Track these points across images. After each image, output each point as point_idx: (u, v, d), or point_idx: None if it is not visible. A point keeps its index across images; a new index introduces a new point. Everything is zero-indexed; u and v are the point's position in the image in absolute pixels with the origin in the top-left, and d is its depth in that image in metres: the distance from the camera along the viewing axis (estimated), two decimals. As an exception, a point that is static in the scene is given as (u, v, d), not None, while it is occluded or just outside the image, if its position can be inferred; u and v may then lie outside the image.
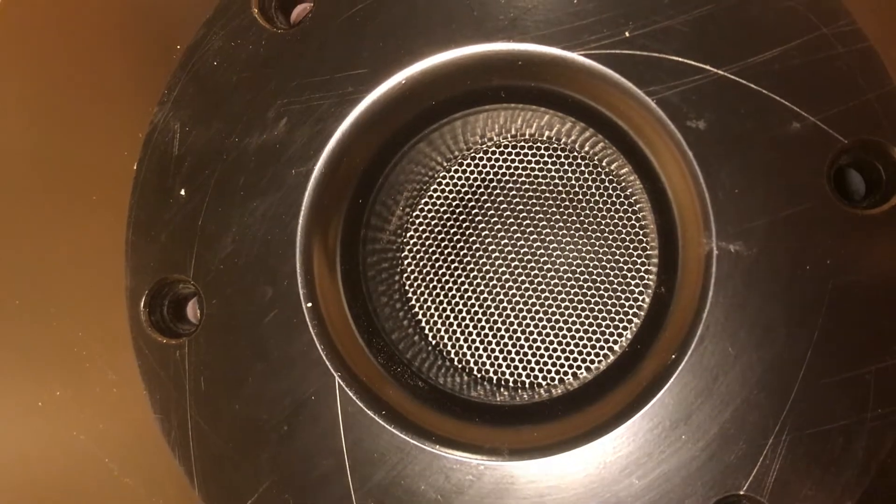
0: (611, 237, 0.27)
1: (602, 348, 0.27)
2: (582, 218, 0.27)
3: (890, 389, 0.21)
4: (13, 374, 0.26)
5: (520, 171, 0.28)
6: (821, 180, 0.22)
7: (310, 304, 0.24)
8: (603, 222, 0.27)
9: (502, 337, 0.28)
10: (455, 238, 0.28)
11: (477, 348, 0.28)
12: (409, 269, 0.29)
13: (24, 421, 0.26)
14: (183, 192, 0.25)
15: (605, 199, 0.27)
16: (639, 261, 0.27)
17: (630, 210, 0.26)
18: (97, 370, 0.25)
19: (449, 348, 0.28)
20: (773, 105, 0.22)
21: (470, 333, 0.28)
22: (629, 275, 0.27)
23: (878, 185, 0.22)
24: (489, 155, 0.28)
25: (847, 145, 0.22)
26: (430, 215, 0.29)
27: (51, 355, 0.26)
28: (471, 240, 0.28)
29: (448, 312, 0.28)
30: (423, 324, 0.28)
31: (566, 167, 0.27)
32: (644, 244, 0.26)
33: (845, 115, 0.22)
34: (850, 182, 0.24)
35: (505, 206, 0.28)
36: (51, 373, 0.26)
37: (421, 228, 0.29)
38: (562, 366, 0.27)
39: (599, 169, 0.27)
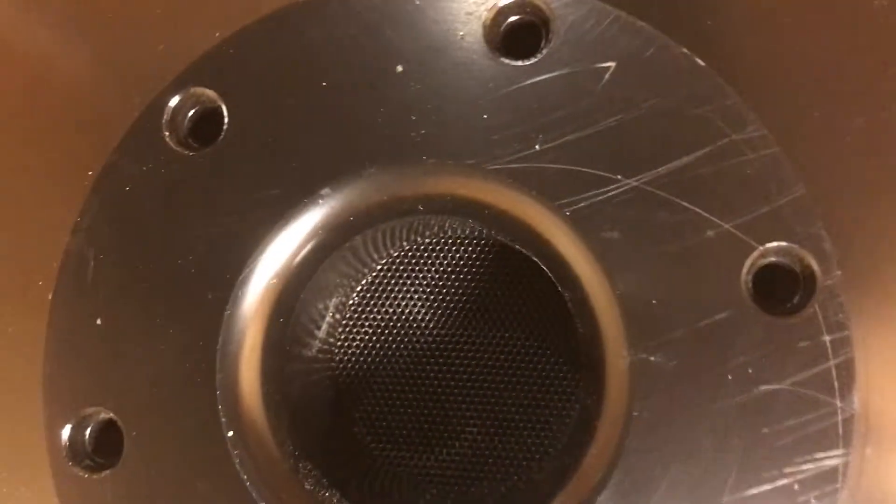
0: (539, 345, 0.27)
1: (533, 459, 0.26)
2: (512, 327, 0.27)
3: (815, 499, 0.21)
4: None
5: (445, 272, 0.28)
6: (737, 288, 0.22)
7: (231, 434, 0.24)
8: (533, 331, 0.27)
9: (434, 449, 0.28)
10: (383, 347, 0.28)
11: (401, 446, 0.27)
12: (338, 382, 0.28)
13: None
14: (99, 322, 0.25)
15: (534, 308, 0.27)
16: (566, 377, 0.27)
17: (558, 320, 0.26)
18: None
19: (375, 451, 0.27)
20: (686, 213, 0.22)
21: (402, 446, 0.28)
22: (557, 385, 0.27)
23: (795, 290, 0.22)
24: (409, 257, 0.28)
25: (762, 251, 0.22)
26: (357, 328, 0.28)
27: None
28: (394, 345, 0.28)
29: (381, 424, 0.28)
30: (357, 439, 0.28)
31: (489, 270, 0.27)
32: (569, 361, 0.26)
33: (758, 222, 0.22)
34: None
35: (430, 308, 0.28)
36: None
37: (347, 342, 0.28)
38: (494, 477, 0.27)
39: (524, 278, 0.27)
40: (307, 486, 0.24)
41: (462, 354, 0.28)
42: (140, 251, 0.25)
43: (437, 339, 0.28)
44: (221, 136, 0.25)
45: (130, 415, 0.24)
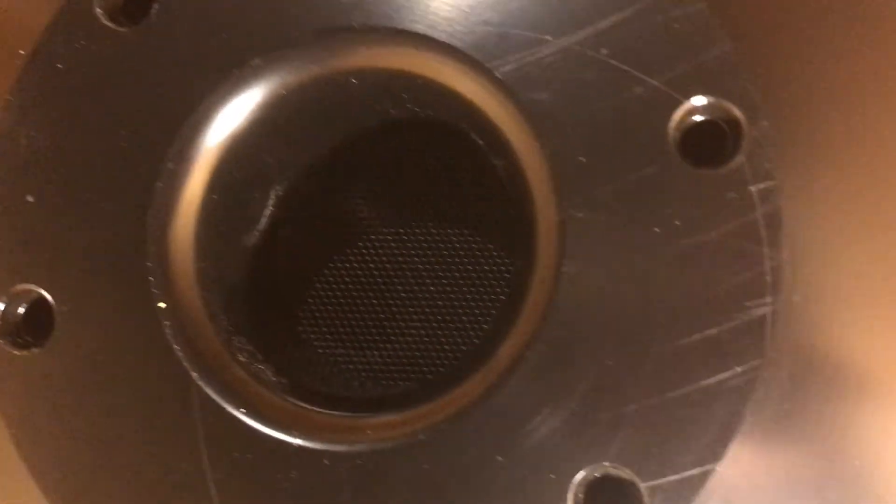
0: (475, 218, 0.27)
1: (467, 330, 0.26)
2: (442, 201, 0.27)
3: (744, 347, 0.21)
4: None
5: (382, 161, 0.28)
6: (665, 142, 0.22)
7: (163, 305, 0.23)
8: (463, 203, 0.27)
9: (366, 329, 0.27)
10: (318, 229, 0.28)
11: (342, 341, 0.27)
12: (278, 275, 0.28)
13: None
14: (31, 199, 0.24)
15: (463, 180, 0.27)
16: (498, 239, 0.26)
17: (484, 189, 0.26)
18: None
19: (314, 342, 0.27)
20: (614, 72, 0.22)
21: (335, 326, 0.27)
22: (490, 252, 0.27)
23: (721, 143, 0.22)
24: (347, 145, 0.28)
25: (689, 107, 0.22)
26: (297, 221, 0.28)
27: None
28: (336, 230, 0.28)
29: (313, 305, 0.28)
30: (287, 319, 0.28)
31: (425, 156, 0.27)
32: (501, 221, 0.26)
33: (685, 77, 0.22)
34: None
35: (366, 193, 0.28)
36: None
37: (288, 236, 0.28)
38: (427, 352, 0.27)
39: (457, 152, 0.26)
40: (241, 358, 0.24)
41: (402, 248, 0.28)
42: (72, 128, 0.24)
43: (378, 232, 0.28)
44: (153, 12, 0.25)
45: (62, 291, 0.24)
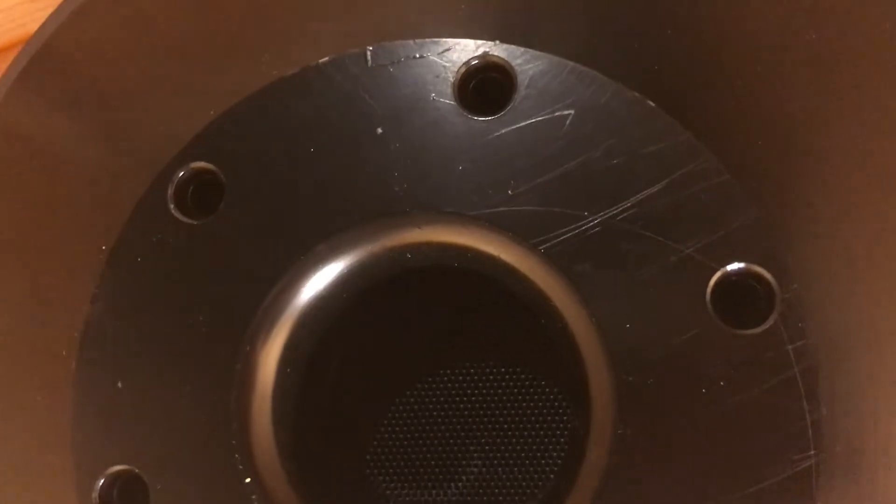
0: (525, 378, 0.29)
1: (531, 486, 0.28)
2: (503, 354, 0.29)
3: (793, 499, 0.22)
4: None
5: (434, 311, 0.30)
6: (703, 307, 0.24)
7: (248, 480, 0.25)
8: (522, 357, 0.29)
9: (441, 484, 0.29)
10: (388, 392, 0.30)
11: (408, 483, 0.29)
12: (349, 426, 0.30)
13: None
14: (120, 385, 0.26)
15: (519, 343, 0.29)
16: (554, 402, 0.28)
17: (543, 352, 0.28)
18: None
19: (384, 487, 0.29)
20: (649, 242, 0.24)
21: (408, 473, 0.29)
22: (546, 415, 0.28)
23: (756, 304, 0.24)
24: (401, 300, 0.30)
25: (723, 272, 0.24)
26: (362, 375, 0.30)
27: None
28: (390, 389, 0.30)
29: (391, 463, 0.29)
30: (368, 480, 0.29)
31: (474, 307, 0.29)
32: (556, 387, 0.28)
33: (716, 245, 0.24)
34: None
35: (426, 350, 0.30)
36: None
37: (355, 389, 0.30)
38: (488, 493, 0.28)
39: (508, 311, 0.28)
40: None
41: (458, 391, 0.29)
42: (153, 316, 0.27)
43: (435, 378, 0.30)
44: (221, 206, 0.27)
45: (153, 469, 0.26)
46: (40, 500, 0.27)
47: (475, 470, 0.29)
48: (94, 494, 0.26)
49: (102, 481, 0.26)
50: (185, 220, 0.27)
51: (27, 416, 0.28)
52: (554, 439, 0.27)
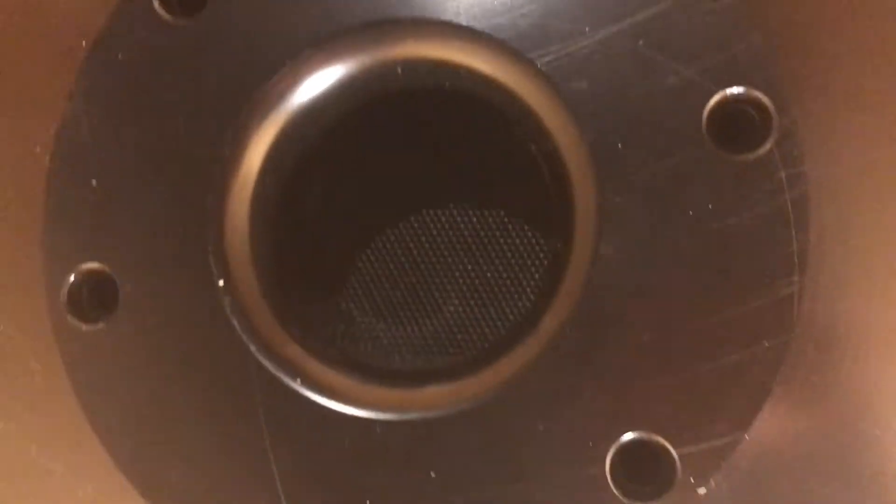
0: (511, 201, 0.28)
1: (507, 306, 0.28)
2: (487, 186, 0.28)
3: (772, 323, 0.22)
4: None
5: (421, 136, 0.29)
6: (698, 129, 0.23)
7: (222, 282, 0.25)
8: (504, 189, 0.28)
9: (406, 305, 0.29)
10: (368, 222, 0.29)
11: (383, 317, 0.29)
12: (327, 251, 0.30)
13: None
14: (94, 182, 0.26)
15: (503, 164, 0.28)
16: (536, 233, 0.28)
17: (525, 174, 0.27)
18: (21, 361, 0.26)
19: (357, 318, 0.29)
20: (651, 62, 0.24)
21: (376, 303, 0.29)
22: (527, 246, 0.28)
23: (752, 131, 0.23)
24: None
25: (722, 95, 0.23)
26: (344, 199, 0.30)
27: (-26, 351, 0.26)
28: (378, 210, 0.29)
29: (356, 283, 0.29)
30: (332, 297, 0.29)
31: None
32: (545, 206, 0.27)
33: (718, 68, 0.23)
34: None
35: (407, 175, 0.29)
36: (-25, 367, 0.26)
37: (333, 212, 0.29)
38: (465, 328, 0.28)
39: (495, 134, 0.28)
40: (294, 332, 0.25)
41: (438, 228, 0.29)
42: (132, 115, 0.26)
43: (418, 211, 0.29)
44: (207, 6, 0.26)
45: (124, 269, 0.25)
46: (8, 298, 0.27)
47: (452, 306, 0.28)
48: (63, 290, 0.26)
49: (72, 279, 0.26)
50: (169, 18, 0.26)
51: (-4, 213, 0.27)
52: (533, 266, 0.27)
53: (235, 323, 0.25)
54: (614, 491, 0.22)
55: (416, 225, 0.29)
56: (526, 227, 0.27)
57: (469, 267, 0.28)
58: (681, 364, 0.23)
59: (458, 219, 0.28)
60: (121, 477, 0.25)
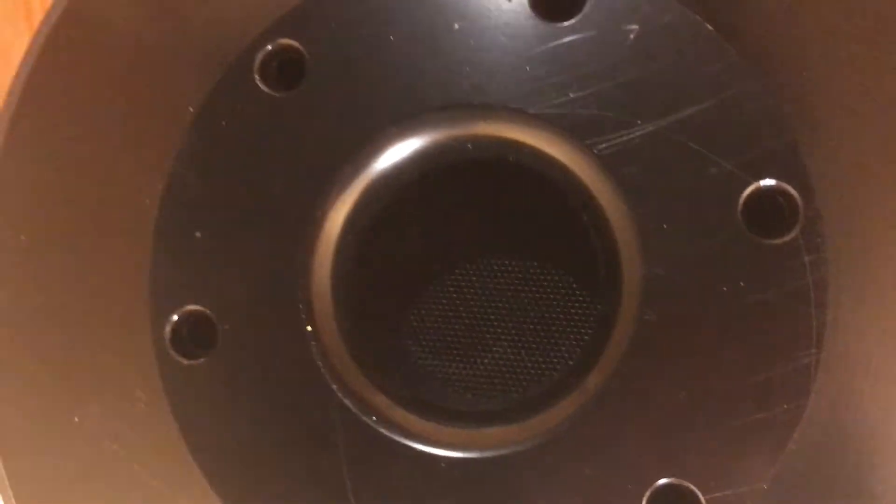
0: (563, 264, 0.32)
1: (556, 362, 0.31)
2: (539, 248, 0.32)
3: (792, 389, 0.26)
4: (53, 395, 0.30)
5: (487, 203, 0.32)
6: (734, 215, 0.26)
7: (309, 328, 0.28)
8: (556, 253, 0.32)
9: (460, 347, 0.32)
10: (430, 270, 0.33)
11: (441, 357, 0.32)
12: (394, 297, 0.33)
13: (61, 435, 0.30)
14: (198, 234, 0.29)
15: (558, 231, 0.32)
16: (584, 295, 0.31)
17: (577, 241, 0.30)
18: (127, 390, 0.29)
19: (421, 359, 0.32)
20: (694, 153, 0.27)
21: (442, 348, 0.32)
22: (576, 305, 0.31)
23: (781, 219, 0.27)
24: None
25: (756, 186, 0.26)
26: (411, 255, 0.33)
27: (84, 378, 0.30)
28: (443, 265, 0.33)
29: (418, 326, 0.33)
30: (408, 344, 0.33)
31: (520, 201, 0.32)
32: (592, 272, 0.30)
33: (753, 161, 0.27)
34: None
35: (467, 234, 0.32)
36: (85, 393, 0.30)
37: (403, 266, 0.33)
38: (524, 377, 0.32)
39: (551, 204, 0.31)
40: (370, 374, 0.29)
41: (496, 279, 0.32)
42: (234, 176, 0.29)
43: (477, 264, 0.33)
44: (303, 83, 0.29)
45: (223, 311, 0.29)
46: (118, 334, 0.30)
47: (501, 349, 0.32)
48: (167, 328, 0.29)
49: (176, 318, 0.29)
50: (268, 91, 0.29)
51: (110, 259, 0.30)
52: (580, 326, 0.30)
53: (320, 364, 0.28)
54: (648, 528, 0.26)
55: (473, 279, 0.32)
56: (575, 288, 0.31)
57: (520, 316, 0.31)
58: (711, 420, 0.26)
59: (513, 276, 0.32)
60: (213, 495, 0.28)
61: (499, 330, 0.32)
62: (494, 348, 0.32)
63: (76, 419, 0.30)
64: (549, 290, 0.31)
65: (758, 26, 0.27)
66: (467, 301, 0.32)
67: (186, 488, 0.29)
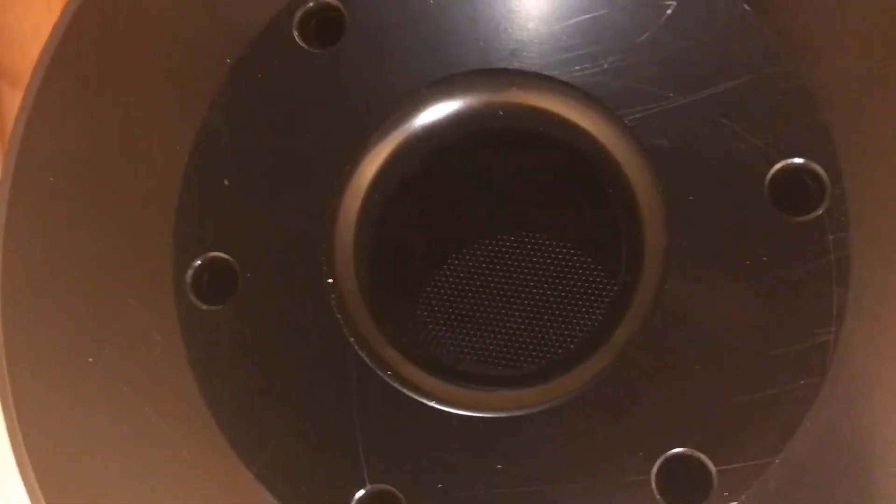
0: (587, 237, 0.32)
1: (573, 335, 0.31)
2: (561, 221, 0.32)
3: (809, 366, 0.26)
4: (69, 334, 0.30)
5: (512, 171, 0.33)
6: (760, 192, 0.27)
7: (330, 280, 0.29)
8: (580, 225, 0.32)
9: (475, 318, 0.32)
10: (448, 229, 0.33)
11: (453, 326, 0.32)
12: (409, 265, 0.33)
13: (74, 374, 0.30)
14: (227, 182, 0.30)
15: (582, 202, 0.32)
16: (604, 268, 0.31)
17: (602, 216, 0.31)
18: (144, 332, 0.30)
19: (430, 325, 0.32)
20: (724, 129, 0.27)
21: (449, 313, 0.32)
22: (596, 278, 0.31)
23: (807, 197, 0.27)
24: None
25: (783, 164, 0.27)
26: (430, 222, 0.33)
27: (102, 318, 0.30)
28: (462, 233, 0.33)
29: (432, 294, 0.33)
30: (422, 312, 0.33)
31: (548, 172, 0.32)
32: (614, 244, 0.31)
33: (782, 139, 0.27)
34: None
35: (492, 202, 0.32)
36: (102, 334, 0.30)
37: (422, 231, 0.33)
38: (527, 344, 0.32)
39: (578, 175, 0.31)
40: (386, 330, 0.29)
41: (518, 251, 0.33)
42: (266, 128, 0.30)
43: (499, 235, 0.33)
44: (341, 41, 0.30)
45: (246, 260, 0.29)
46: (140, 275, 0.30)
47: (517, 321, 0.32)
48: (189, 273, 0.29)
49: (198, 263, 0.29)
50: (306, 47, 0.30)
51: (136, 199, 0.31)
52: (599, 302, 0.30)
53: (339, 317, 0.28)
54: (657, 496, 0.26)
55: (494, 249, 0.32)
56: (596, 264, 0.31)
57: (538, 289, 0.32)
58: (726, 393, 0.26)
59: (535, 248, 0.32)
60: (223, 442, 0.28)
61: (516, 303, 0.32)
62: (510, 321, 0.32)
63: (90, 360, 0.30)
64: (570, 266, 0.31)
65: (793, 6, 0.27)
66: (486, 271, 0.32)
67: (198, 435, 0.29)
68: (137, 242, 0.31)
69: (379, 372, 0.28)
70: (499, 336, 0.32)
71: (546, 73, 0.28)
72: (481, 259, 0.32)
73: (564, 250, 0.31)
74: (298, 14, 0.30)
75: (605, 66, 0.28)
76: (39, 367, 0.31)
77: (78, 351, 0.30)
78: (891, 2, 0.27)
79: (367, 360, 0.28)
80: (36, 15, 0.58)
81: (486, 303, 0.32)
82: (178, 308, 0.29)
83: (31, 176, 0.32)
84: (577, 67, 0.28)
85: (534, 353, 0.31)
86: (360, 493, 0.27)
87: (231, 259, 0.29)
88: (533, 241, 0.32)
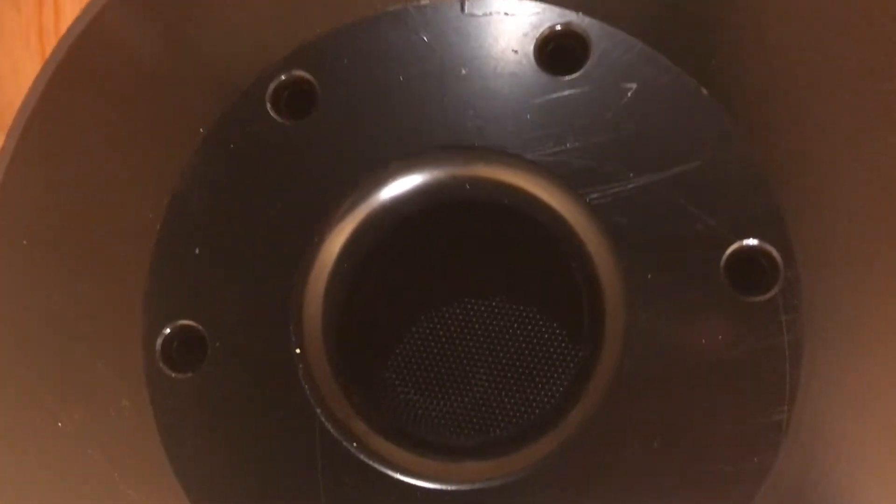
0: (552, 303, 0.32)
1: (535, 405, 0.32)
2: (527, 287, 0.33)
3: (762, 444, 0.26)
4: (39, 395, 0.31)
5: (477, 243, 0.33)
6: (717, 272, 0.27)
7: (298, 350, 0.29)
8: (545, 292, 0.33)
9: (446, 385, 0.33)
10: (414, 307, 0.33)
11: (422, 391, 0.33)
12: (377, 330, 0.34)
13: (44, 437, 0.30)
14: (197, 251, 0.30)
15: (545, 275, 0.33)
16: (565, 339, 0.32)
17: (566, 284, 0.31)
18: (114, 399, 0.30)
19: (402, 391, 0.33)
20: (682, 209, 0.28)
21: (425, 383, 0.33)
22: (556, 349, 0.32)
23: (762, 277, 0.28)
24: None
25: (738, 245, 0.27)
26: (395, 286, 0.34)
27: (73, 383, 0.31)
28: (427, 298, 0.33)
29: (401, 361, 0.33)
30: (391, 377, 0.33)
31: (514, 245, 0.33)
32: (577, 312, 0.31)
33: (738, 221, 0.28)
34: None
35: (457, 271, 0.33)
36: (72, 398, 0.30)
37: (390, 297, 0.34)
38: (502, 417, 0.32)
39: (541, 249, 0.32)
40: (354, 401, 0.29)
41: (481, 319, 0.33)
42: (237, 197, 0.30)
43: (463, 302, 0.33)
44: (313, 114, 0.30)
45: (215, 328, 0.30)
46: (110, 342, 0.31)
47: (482, 388, 0.32)
48: (159, 339, 0.30)
49: (168, 331, 0.30)
50: (278, 119, 0.31)
51: (109, 268, 0.31)
52: (561, 371, 0.31)
53: (306, 388, 0.29)
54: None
55: (460, 316, 0.33)
56: (559, 333, 0.31)
57: (504, 354, 0.32)
58: (683, 467, 0.27)
59: (500, 316, 0.33)
60: (189, 506, 0.29)
61: (481, 369, 0.33)
62: (476, 387, 0.32)
63: (60, 424, 0.30)
64: (533, 333, 0.32)
65: (750, 93, 0.28)
66: (453, 338, 0.33)
67: (165, 502, 0.29)
68: (108, 308, 0.31)
69: (345, 443, 0.28)
70: (466, 401, 0.32)
71: (511, 150, 0.29)
72: (450, 325, 0.33)
73: (529, 316, 0.32)
74: (272, 86, 0.31)
75: (568, 146, 0.29)
76: (8, 428, 0.31)
77: (48, 415, 0.31)
78: (845, 88, 0.28)
79: (332, 431, 0.28)
80: (14, 54, 0.59)
81: (453, 368, 0.33)
82: (147, 375, 0.30)
83: (4, 238, 0.32)
84: (540, 147, 0.29)
85: (500, 419, 0.32)
86: (324, 564, 0.27)
87: (200, 327, 0.30)
88: (499, 307, 0.32)
